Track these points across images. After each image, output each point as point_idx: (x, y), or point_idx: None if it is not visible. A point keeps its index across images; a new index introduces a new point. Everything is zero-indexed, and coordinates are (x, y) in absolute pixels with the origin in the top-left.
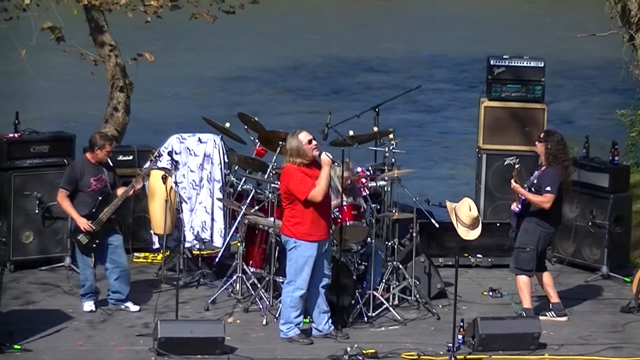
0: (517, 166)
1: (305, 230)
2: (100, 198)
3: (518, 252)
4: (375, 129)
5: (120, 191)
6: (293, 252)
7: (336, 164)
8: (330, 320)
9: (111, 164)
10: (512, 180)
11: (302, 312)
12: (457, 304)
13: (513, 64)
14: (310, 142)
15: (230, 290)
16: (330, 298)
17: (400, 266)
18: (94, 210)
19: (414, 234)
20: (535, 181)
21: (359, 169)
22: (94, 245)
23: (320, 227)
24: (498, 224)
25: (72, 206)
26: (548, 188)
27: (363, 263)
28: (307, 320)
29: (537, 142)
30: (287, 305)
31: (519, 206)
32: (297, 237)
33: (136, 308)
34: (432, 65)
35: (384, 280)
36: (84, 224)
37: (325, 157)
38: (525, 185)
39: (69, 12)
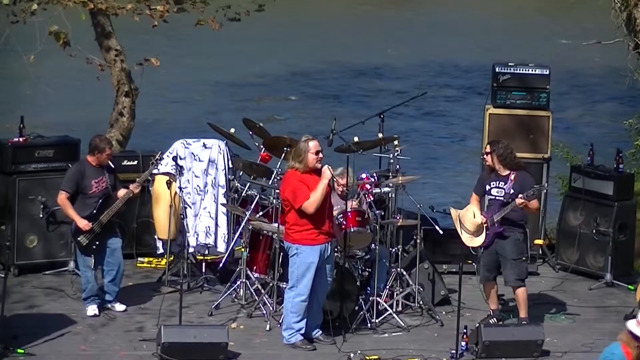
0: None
1: (306, 235)
2: (101, 200)
3: (517, 264)
4: (380, 135)
5: (121, 193)
6: (295, 258)
7: (335, 179)
8: (319, 326)
9: (112, 166)
10: (523, 199)
11: (304, 317)
12: (461, 311)
13: (518, 72)
14: (317, 153)
15: (234, 295)
16: (334, 304)
17: (404, 272)
18: (94, 211)
19: (418, 241)
20: (512, 191)
21: (364, 175)
22: (94, 247)
23: (322, 230)
24: None
25: (72, 207)
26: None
27: (367, 269)
28: None
29: (485, 156)
30: (289, 310)
31: (499, 225)
32: (299, 242)
33: (122, 307)
34: (438, 71)
35: (387, 287)
36: (83, 224)
37: (326, 171)
38: (498, 198)
39: (74, 17)
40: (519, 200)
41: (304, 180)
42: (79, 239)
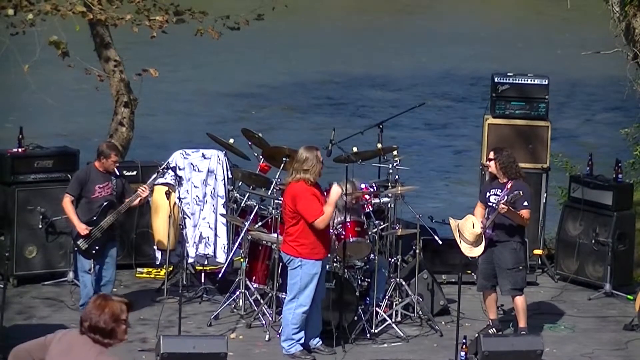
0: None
1: (310, 249)
2: (104, 204)
3: (514, 273)
4: (379, 145)
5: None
6: (298, 271)
7: (343, 198)
8: (319, 336)
9: (118, 173)
10: (503, 204)
11: (303, 328)
12: (460, 321)
13: (517, 82)
14: (322, 163)
15: (233, 305)
16: (333, 314)
17: (403, 283)
18: (95, 217)
19: (417, 251)
20: (504, 199)
21: (363, 186)
22: (94, 252)
23: (324, 246)
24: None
25: (74, 211)
26: (525, 203)
27: (366, 279)
28: None
29: (487, 162)
30: (289, 322)
31: (490, 230)
32: (302, 256)
33: None
34: (437, 82)
35: (386, 297)
36: (82, 229)
37: (336, 189)
38: (494, 205)
39: (73, 27)
40: (500, 206)
41: (315, 193)
42: (78, 242)
